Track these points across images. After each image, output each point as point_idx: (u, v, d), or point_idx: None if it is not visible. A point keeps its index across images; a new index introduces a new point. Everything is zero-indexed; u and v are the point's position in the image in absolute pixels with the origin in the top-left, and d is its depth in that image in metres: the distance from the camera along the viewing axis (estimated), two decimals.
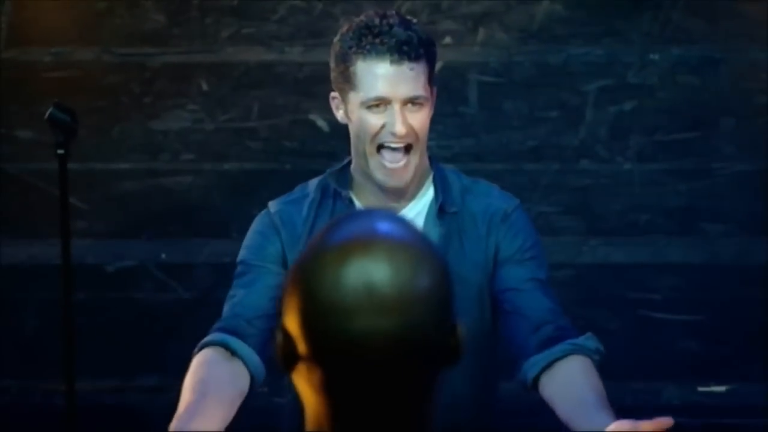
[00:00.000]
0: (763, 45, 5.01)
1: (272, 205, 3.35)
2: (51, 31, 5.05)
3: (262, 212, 3.38)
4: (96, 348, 4.06)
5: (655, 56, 4.85)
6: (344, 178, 3.29)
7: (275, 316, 3.29)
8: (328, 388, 1.57)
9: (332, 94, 3.19)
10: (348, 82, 3.05)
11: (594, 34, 5.04)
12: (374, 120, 3.12)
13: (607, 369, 4.21)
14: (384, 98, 3.07)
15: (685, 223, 4.49)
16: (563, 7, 5.18)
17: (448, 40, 4.70)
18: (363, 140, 3.15)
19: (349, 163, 3.30)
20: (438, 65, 4.68)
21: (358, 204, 3.29)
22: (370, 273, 1.54)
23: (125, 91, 4.77)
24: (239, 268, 3.40)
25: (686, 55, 4.99)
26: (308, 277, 1.55)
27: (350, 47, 3.15)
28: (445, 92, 4.40)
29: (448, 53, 4.65)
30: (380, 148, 3.11)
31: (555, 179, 4.54)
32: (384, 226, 1.63)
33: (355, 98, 3.14)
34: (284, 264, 3.27)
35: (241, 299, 3.38)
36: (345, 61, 3.16)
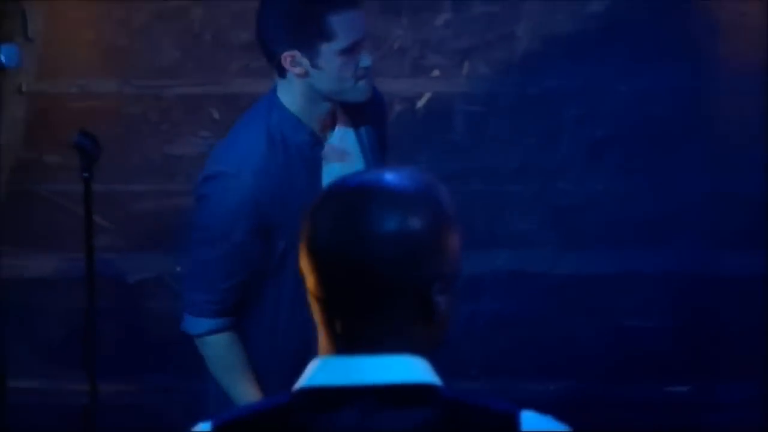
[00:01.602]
0: (724, 76, 5.06)
1: None
2: (76, 65, 5.09)
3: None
4: (116, 352, 4.07)
5: (624, 87, 4.91)
6: (292, 121, 3.29)
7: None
8: (321, 318, 1.61)
9: (286, 54, 3.15)
10: (319, 33, 3.06)
11: (569, 67, 5.06)
12: (353, 60, 3.16)
13: (584, 371, 4.23)
14: (359, 41, 3.11)
15: (653, 237, 4.50)
16: (540, 43, 5.26)
17: (436, 72, 4.75)
18: (343, 79, 3.18)
19: (267, 118, 3.30)
20: (427, 95, 4.76)
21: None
22: (346, 213, 1.58)
23: (143, 119, 4.81)
24: None
25: (652, 85, 5.02)
26: (304, 223, 1.60)
27: (321, 3, 3.17)
28: (434, 119, 4.56)
29: (436, 84, 4.73)
30: (358, 80, 3.17)
31: (534, 198, 4.55)
32: (381, 177, 1.65)
33: (328, 48, 3.15)
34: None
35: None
36: (314, 14, 3.14)
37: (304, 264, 1.60)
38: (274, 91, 3.37)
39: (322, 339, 1.62)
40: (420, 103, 4.62)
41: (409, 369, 1.58)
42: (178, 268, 4.41)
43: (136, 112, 4.89)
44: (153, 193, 4.66)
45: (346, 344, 1.58)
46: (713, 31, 5.24)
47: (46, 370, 4.18)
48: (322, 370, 1.59)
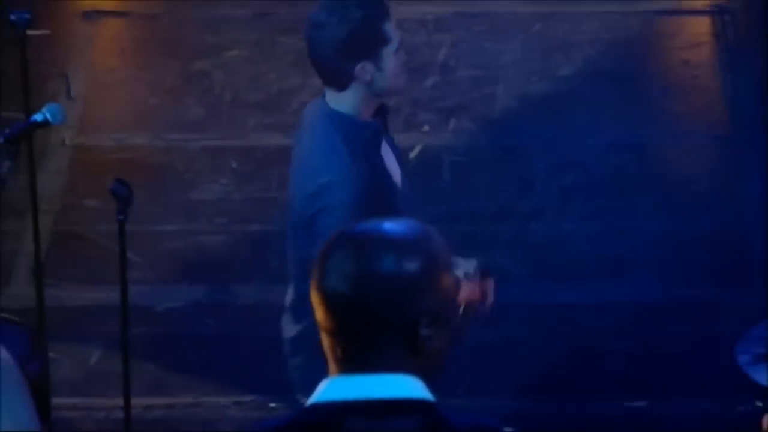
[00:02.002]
0: (676, 131, 5.17)
1: None
2: (112, 121, 5.20)
3: None
4: (148, 372, 4.07)
5: (590, 140, 5.00)
6: (357, 121, 3.30)
7: None
8: (327, 344, 1.64)
9: (359, 66, 3.19)
10: (381, 40, 3.11)
11: (541, 122, 5.17)
12: (400, 57, 3.25)
13: (556, 389, 4.24)
14: (401, 40, 3.21)
15: (615, 271, 4.55)
16: (517, 102, 5.33)
17: (426, 128, 4.86)
18: (397, 74, 3.25)
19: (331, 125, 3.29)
20: (418, 148, 4.84)
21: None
22: (348, 257, 1.60)
23: (171, 168, 4.87)
24: None
25: (615, 140, 5.14)
26: (316, 263, 1.63)
27: (376, 14, 3.21)
28: (424, 169, 4.64)
29: (426, 138, 4.84)
30: (403, 72, 3.28)
31: (512, 237, 4.61)
32: (379, 225, 1.67)
33: (388, 51, 3.21)
34: None
35: None
36: (375, 25, 3.18)
37: (314, 299, 1.63)
38: (325, 108, 3.33)
39: (330, 362, 1.64)
40: (412, 155, 4.67)
41: (404, 386, 1.60)
42: (201, 298, 4.43)
43: (165, 162, 4.97)
44: (179, 233, 4.68)
45: (346, 367, 1.60)
46: (667, 92, 5.37)
47: (86, 389, 4.13)
48: (329, 389, 1.62)
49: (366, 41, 3.28)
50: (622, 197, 4.80)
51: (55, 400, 3.66)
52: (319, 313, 1.63)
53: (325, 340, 1.64)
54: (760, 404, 3.75)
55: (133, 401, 3.48)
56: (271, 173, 4.57)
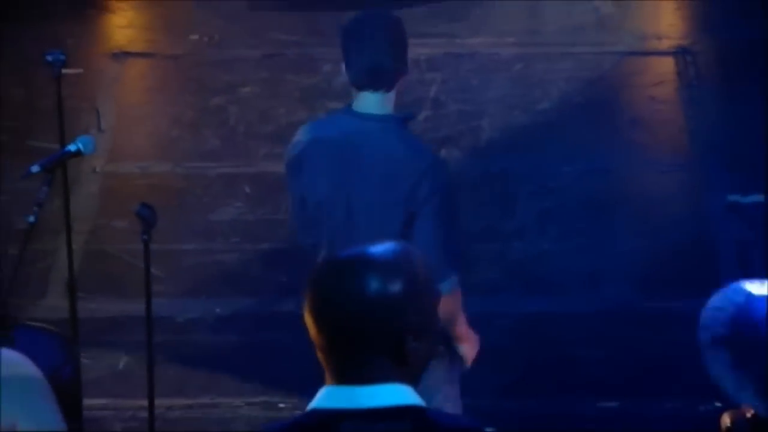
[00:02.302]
0: (644, 158, 5.22)
1: None
2: (138, 151, 5.25)
3: None
4: (170, 376, 4.03)
5: (568, 168, 5.04)
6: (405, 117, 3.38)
7: None
8: (321, 357, 1.61)
9: (398, 85, 3.21)
10: (406, 61, 3.15)
11: (523, 150, 5.23)
12: None
13: (538, 390, 4.21)
14: None
15: (590, 284, 4.58)
16: (500, 134, 5.33)
17: None
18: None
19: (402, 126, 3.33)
20: None
21: None
22: (336, 280, 1.60)
23: (190, 193, 4.90)
24: None
25: (589, 166, 5.15)
26: (308, 287, 1.61)
27: (405, 29, 3.26)
28: None
29: None
30: None
31: (497, 255, 4.63)
32: (365, 250, 1.66)
33: (408, 58, 3.28)
34: None
35: None
36: (407, 38, 3.22)
37: (307, 319, 1.61)
38: (370, 115, 3.25)
39: (326, 372, 1.63)
40: None
41: (395, 394, 1.59)
42: (217, 310, 4.40)
43: (185, 188, 5.00)
44: (198, 251, 4.68)
45: (340, 379, 1.60)
46: (635, 124, 5.42)
47: (114, 390, 4.09)
48: (324, 397, 1.62)
49: (407, 51, 3.28)
50: (595, 220, 4.83)
51: (87, 401, 3.64)
52: (312, 333, 1.61)
53: (320, 355, 1.62)
54: (719, 404, 3.64)
55: (157, 402, 3.49)
56: (281, 197, 4.48)
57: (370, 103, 3.20)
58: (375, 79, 3.18)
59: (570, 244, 4.78)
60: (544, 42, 5.93)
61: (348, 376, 1.60)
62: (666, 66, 5.84)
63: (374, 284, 1.58)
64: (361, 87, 3.18)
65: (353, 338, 1.59)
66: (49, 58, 3.54)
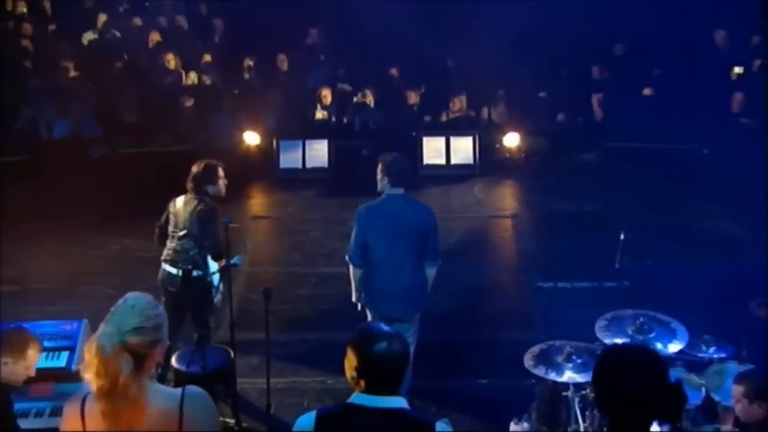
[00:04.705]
0: (609, 202, 5.28)
1: None
2: (264, 261, 5.14)
3: None
4: (278, 364, 3.82)
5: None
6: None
7: None
8: (356, 379, 1.53)
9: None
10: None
11: (504, 201, 5.48)
12: None
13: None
14: None
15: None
16: (483, 194, 5.54)
17: None
18: None
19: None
20: None
21: None
22: (383, 343, 1.52)
23: (284, 285, 4.55)
24: None
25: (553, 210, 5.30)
26: (357, 342, 1.55)
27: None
28: None
29: None
30: None
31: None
32: (385, 328, 1.58)
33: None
34: None
35: None
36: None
37: (354, 357, 1.51)
38: (401, 192, 3.24)
39: (354, 385, 1.56)
40: None
41: (397, 402, 1.54)
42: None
43: (284, 281, 4.87)
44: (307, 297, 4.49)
45: (366, 391, 1.54)
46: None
47: (250, 375, 3.81)
48: (357, 398, 1.55)
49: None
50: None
51: (238, 381, 3.57)
52: (354, 367, 1.51)
53: (352, 375, 1.53)
54: (533, 381, 3.21)
55: (272, 381, 3.37)
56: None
57: (396, 190, 3.25)
58: (408, 182, 3.31)
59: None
60: (451, 211, 5.87)
61: (372, 391, 1.54)
62: (506, 224, 5.72)
63: (398, 346, 1.53)
64: (393, 185, 3.26)
65: (385, 379, 1.54)
66: (225, 219, 3.40)
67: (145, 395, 1.63)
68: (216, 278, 3.69)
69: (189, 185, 3.74)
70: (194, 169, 3.74)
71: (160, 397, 1.67)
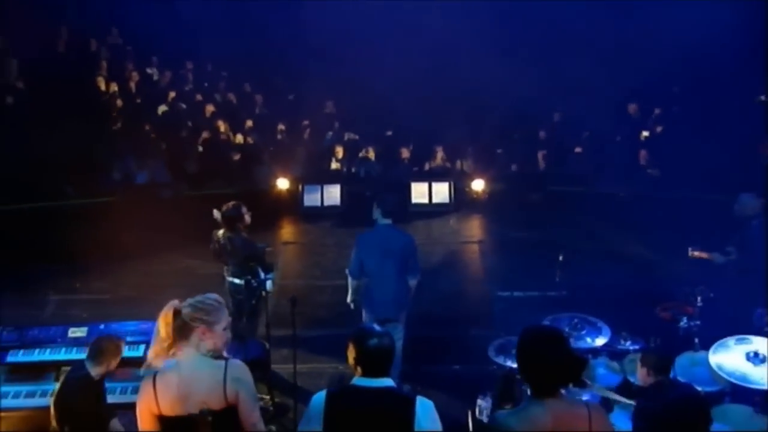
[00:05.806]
0: (551, 232, 5.28)
1: None
2: (294, 276, 5.09)
3: None
4: (303, 354, 3.66)
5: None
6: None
7: None
8: (354, 365, 1.53)
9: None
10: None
11: (473, 231, 5.52)
12: None
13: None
14: None
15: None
16: (457, 225, 5.45)
17: None
18: None
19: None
20: None
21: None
22: (377, 339, 1.50)
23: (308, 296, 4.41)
24: None
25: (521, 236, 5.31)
26: (358, 338, 1.54)
27: None
28: None
29: None
30: None
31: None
32: (378, 328, 1.57)
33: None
34: None
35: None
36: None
37: (352, 351, 1.51)
38: (390, 223, 3.16)
39: (354, 370, 1.57)
40: None
41: (387, 382, 1.56)
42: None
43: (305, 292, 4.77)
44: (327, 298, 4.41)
45: (363, 374, 1.55)
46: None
47: (282, 361, 3.66)
48: (357, 380, 1.56)
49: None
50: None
51: (272, 367, 3.55)
52: (355, 354, 1.52)
53: (354, 361, 1.54)
54: (495, 367, 3.15)
55: (298, 367, 3.32)
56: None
57: (386, 221, 3.25)
58: (397, 215, 3.30)
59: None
60: (432, 238, 5.91)
61: (368, 374, 1.56)
62: (474, 248, 5.65)
63: (388, 342, 1.52)
64: (384, 216, 3.26)
65: (377, 366, 1.56)
66: (262, 245, 3.31)
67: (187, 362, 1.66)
68: (269, 284, 3.63)
69: (222, 221, 3.66)
70: (224, 208, 3.68)
71: (207, 365, 1.69)
